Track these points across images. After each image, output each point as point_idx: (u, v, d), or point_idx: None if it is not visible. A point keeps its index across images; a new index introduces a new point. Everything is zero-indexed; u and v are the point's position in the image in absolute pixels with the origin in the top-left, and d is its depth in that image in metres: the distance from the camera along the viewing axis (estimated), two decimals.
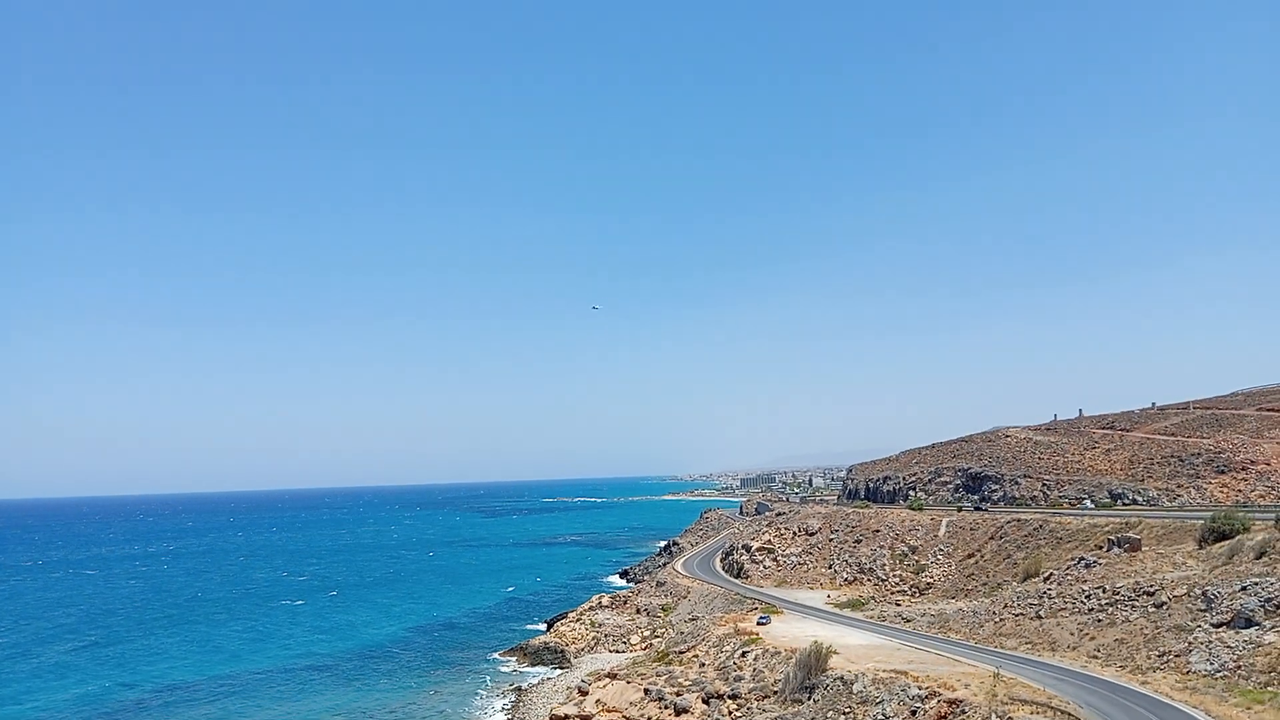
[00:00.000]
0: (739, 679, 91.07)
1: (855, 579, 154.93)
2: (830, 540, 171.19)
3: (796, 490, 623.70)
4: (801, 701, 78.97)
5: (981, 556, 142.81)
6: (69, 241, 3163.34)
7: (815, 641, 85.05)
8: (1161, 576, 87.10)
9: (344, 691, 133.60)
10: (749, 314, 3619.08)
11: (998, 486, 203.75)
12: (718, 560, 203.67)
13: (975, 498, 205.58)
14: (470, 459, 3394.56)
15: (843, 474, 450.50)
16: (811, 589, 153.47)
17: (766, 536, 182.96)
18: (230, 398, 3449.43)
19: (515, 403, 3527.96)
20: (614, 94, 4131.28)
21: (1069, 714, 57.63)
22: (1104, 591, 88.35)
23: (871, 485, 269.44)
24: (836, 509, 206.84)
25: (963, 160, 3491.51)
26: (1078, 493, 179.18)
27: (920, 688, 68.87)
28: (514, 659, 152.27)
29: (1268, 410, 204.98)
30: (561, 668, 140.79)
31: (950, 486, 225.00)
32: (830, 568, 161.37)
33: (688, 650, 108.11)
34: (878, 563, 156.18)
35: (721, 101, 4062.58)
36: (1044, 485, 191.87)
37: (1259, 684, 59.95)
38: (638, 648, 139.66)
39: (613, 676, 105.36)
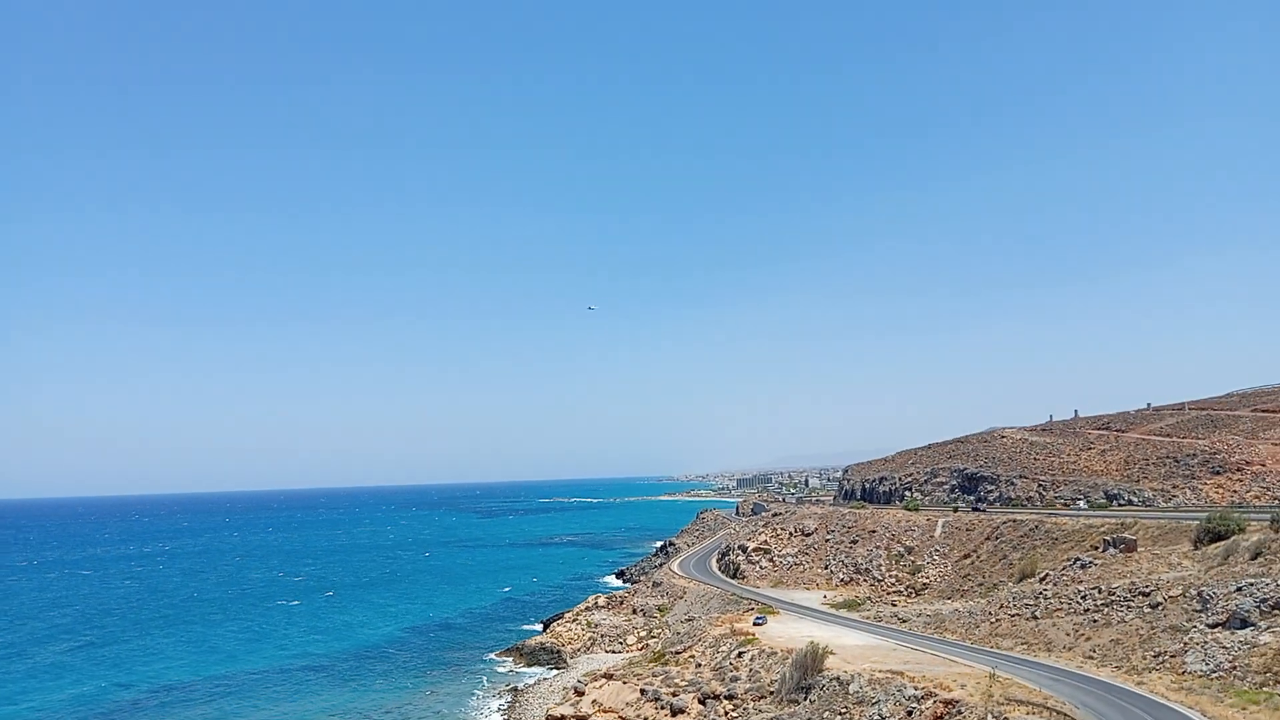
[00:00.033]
0: (735, 679, 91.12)
1: (851, 579, 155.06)
2: (826, 541, 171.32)
3: (793, 491, 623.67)
4: (798, 702, 79.04)
5: (977, 557, 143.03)
6: (69, 241, 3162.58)
7: (811, 642, 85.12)
8: (1157, 577, 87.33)
9: (340, 692, 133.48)
10: (749, 314, 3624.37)
11: (993, 487, 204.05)
12: (714, 561, 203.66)
13: (971, 498, 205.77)
14: (469, 459, 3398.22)
15: (839, 475, 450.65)
16: (808, 589, 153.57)
17: (763, 537, 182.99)
18: (230, 398, 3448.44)
19: (515, 403, 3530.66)
20: (614, 94, 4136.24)
21: (1065, 714, 57.74)
22: (1100, 592, 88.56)
23: (867, 486, 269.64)
24: (833, 509, 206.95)
25: (963, 160, 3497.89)
26: (1073, 493, 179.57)
27: (916, 688, 68.97)
28: (510, 659, 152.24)
29: (1263, 411, 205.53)
30: (558, 668, 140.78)
31: (946, 487, 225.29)
32: (826, 568, 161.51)
33: (684, 651, 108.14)
34: (874, 563, 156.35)
35: (721, 101, 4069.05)
36: (1039, 486, 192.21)
37: (1254, 684, 60.13)
38: (634, 648, 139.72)
39: (609, 677, 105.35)
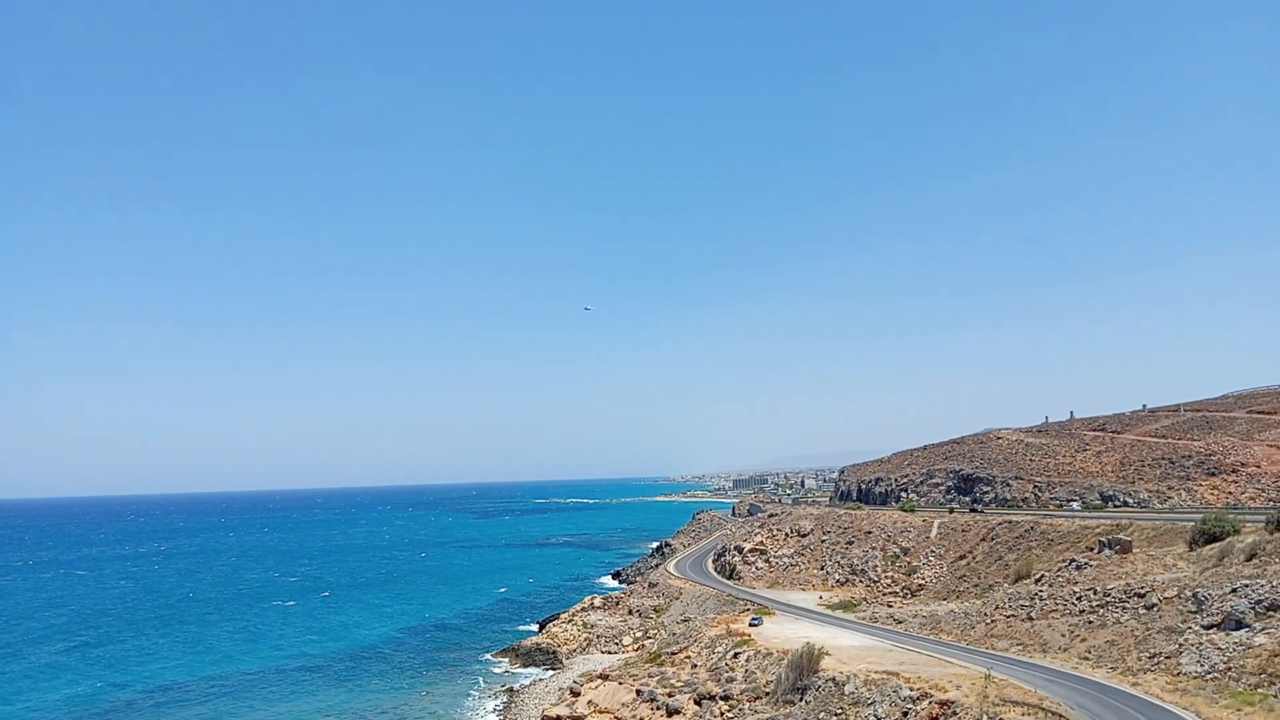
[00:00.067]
0: (731, 680, 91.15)
1: (847, 580, 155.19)
2: (822, 542, 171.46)
3: (789, 492, 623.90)
4: (794, 703, 79.10)
5: (973, 558, 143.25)
6: (69, 241, 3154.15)
7: (807, 643, 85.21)
8: (1152, 578, 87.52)
9: (336, 692, 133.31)
10: (748, 314, 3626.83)
11: (989, 488, 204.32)
12: (710, 561, 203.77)
13: (967, 499, 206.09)
14: (468, 459, 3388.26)
15: (835, 475, 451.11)
16: (803, 590, 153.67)
17: (759, 538, 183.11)
18: (230, 398, 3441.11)
19: (514, 403, 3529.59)
20: (614, 94, 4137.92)
21: (1060, 715, 57.86)
22: (1095, 593, 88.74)
23: (863, 487, 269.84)
24: (828, 510, 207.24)
25: (963, 160, 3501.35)
26: (1069, 495, 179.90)
27: (912, 689, 69.06)
28: (506, 660, 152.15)
29: (1258, 413, 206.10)
30: (554, 669, 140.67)
31: (942, 488, 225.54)
32: (822, 569, 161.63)
33: (680, 651, 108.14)
34: (870, 564, 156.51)
35: (721, 101, 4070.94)
36: (1035, 487, 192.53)
37: (1249, 686, 60.29)
38: (630, 649, 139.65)
39: (605, 677, 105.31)
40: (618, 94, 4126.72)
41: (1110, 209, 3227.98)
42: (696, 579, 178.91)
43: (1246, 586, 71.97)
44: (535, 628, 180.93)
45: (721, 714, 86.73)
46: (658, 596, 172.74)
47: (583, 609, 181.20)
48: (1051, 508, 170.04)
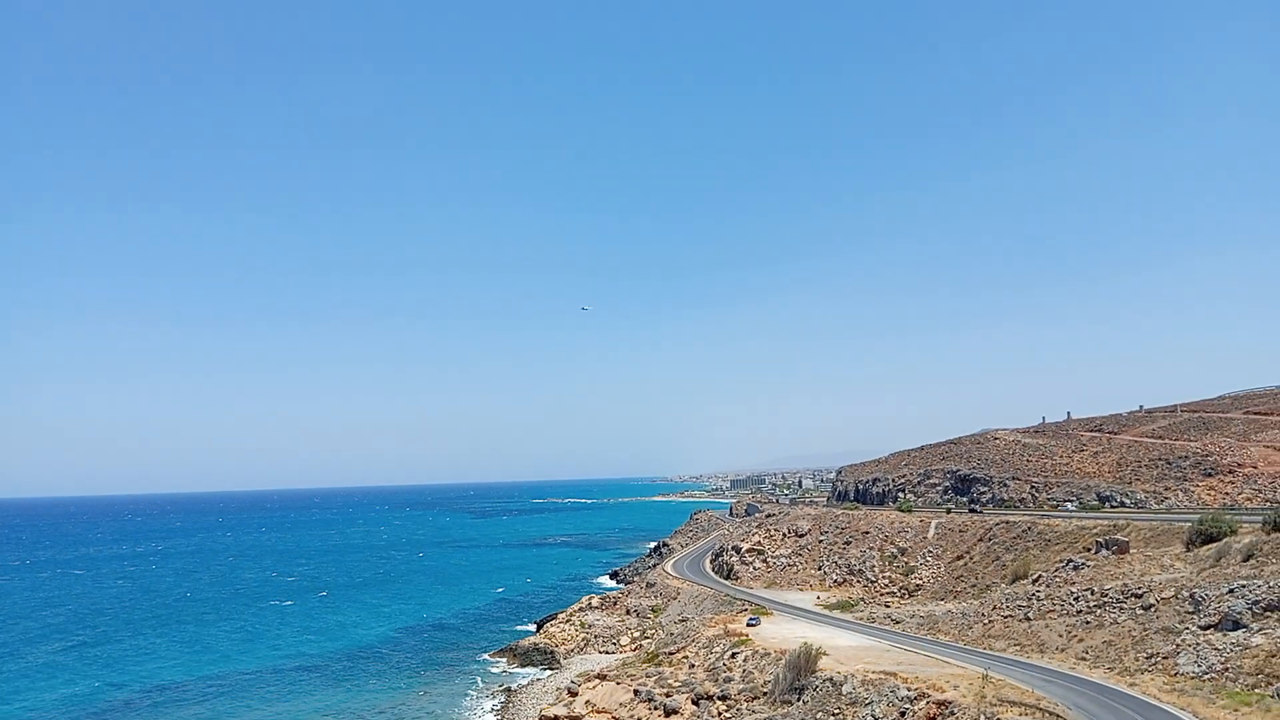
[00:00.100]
0: (729, 680, 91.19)
1: (845, 580, 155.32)
2: (820, 542, 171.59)
3: (786, 492, 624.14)
4: (791, 703, 79.16)
5: (970, 558, 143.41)
6: (69, 241, 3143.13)
7: (805, 643, 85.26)
8: (1149, 579, 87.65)
9: (333, 692, 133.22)
10: (749, 314, 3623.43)
11: (986, 489, 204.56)
12: (707, 562, 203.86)
13: (964, 499, 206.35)
14: (468, 459, 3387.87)
15: (832, 476, 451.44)
16: (801, 590, 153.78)
17: (756, 538, 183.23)
18: (230, 398, 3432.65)
19: (514, 403, 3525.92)
20: (614, 94, 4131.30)
21: (1057, 715, 57.93)
22: (1092, 594, 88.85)
23: (861, 487, 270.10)
24: (826, 510, 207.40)
25: (963, 160, 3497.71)
26: (1065, 495, 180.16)
27: (909, 689, 69.12)
28: (504, 660, 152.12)
29: (1255, 413, 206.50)
30: (551, 669, 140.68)
31: (939, 488, 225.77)
32: (820, 569, 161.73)
33: (677, 651, 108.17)
34: (867, 564, 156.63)
35: (721, 101, 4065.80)
36: (1032, 487, 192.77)
37: (1246, 686, 60.40)
38: (627, 649, 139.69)
39: (602, 678, 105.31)
40: (618, 94, 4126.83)
41: (1110, 209, 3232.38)
42: (694, 579, 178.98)
43: (1243, 587, 72.09)
44: (533, 628, 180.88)
45: (719, 714, 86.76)
46: (655, 597, 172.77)
47: (580, 609, 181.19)
48: (1048, 508, 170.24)
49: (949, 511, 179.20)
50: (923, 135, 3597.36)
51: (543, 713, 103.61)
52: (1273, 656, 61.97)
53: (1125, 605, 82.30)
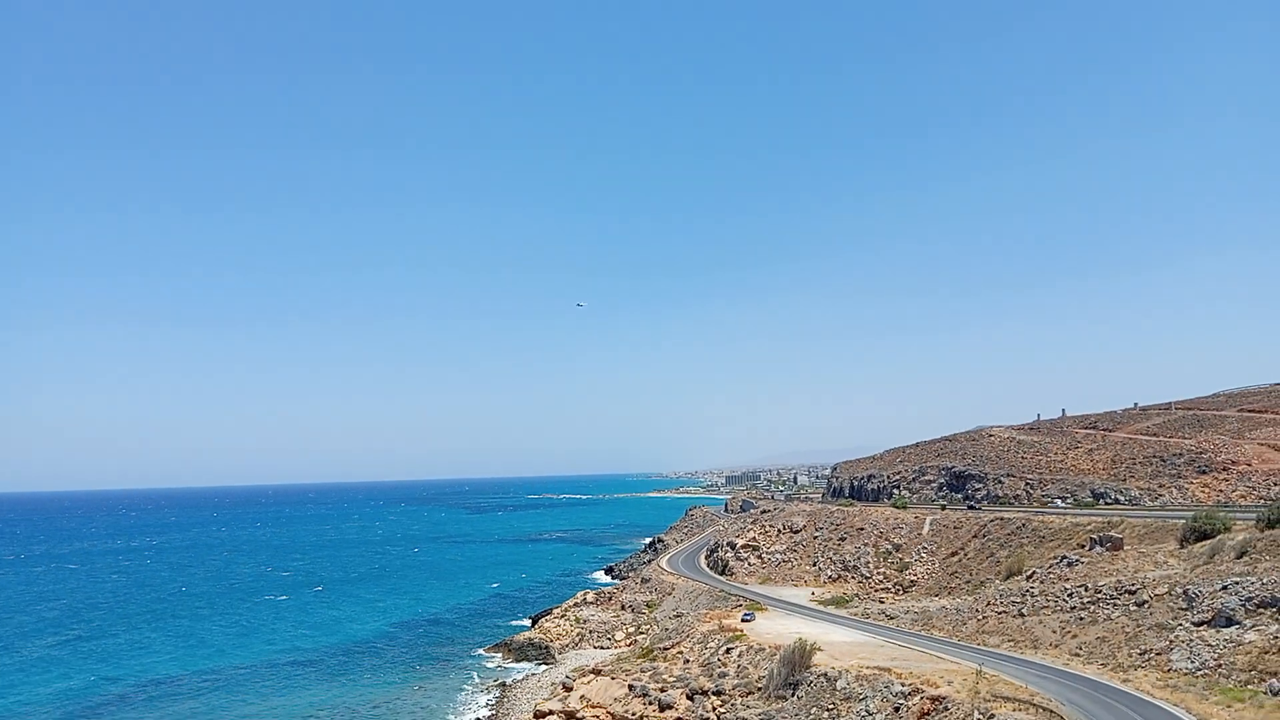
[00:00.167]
0: (723, 675, 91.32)
1: (839, 576, 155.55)
2: (815, 538, 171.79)
3: (781, 488, 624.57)
4: (785, 698, 79.31)
5: (965, 555, 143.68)
6: (69, 241, 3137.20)
7: (799, 638, 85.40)
8: (1143, 575, 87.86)
9: (328, 686, 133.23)
10: (748, 314, 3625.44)
11: (981, 485, 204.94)
12: (703, 557, 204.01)
13: (959, 496, 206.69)
14: (467, 456, 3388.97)
15: (827, 472, 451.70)
16: (796, 586, 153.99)
17: (751, 534, 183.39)
18: (230, 397, 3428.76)
19: (514, 402, 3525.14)
20: (614, 94, 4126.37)
21: (1051, 711, 58.10)
22: (1086, 590, 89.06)
23: (856, 483, 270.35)
24: (821, 507, 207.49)
25: (963, 160, 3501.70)
26: (1060, 492, 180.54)
27: (903, 684, 69.29)
28: (499, 654, 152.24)
29: (1249, 411, 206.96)
30: (546, 663, 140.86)
31: (934, 485, 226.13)
32: (815, 565, 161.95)
33: (672, 646, 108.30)
34: (862, 560, 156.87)
35: (721, 101, 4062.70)
36: (1027, 484, 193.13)
37: (1239, 682, 60.60)
38: (622, 644, 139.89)
39: (597, 672, 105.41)
40: (618, 94, 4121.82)
41: (1110, 209, 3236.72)
42: (689, 574, 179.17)
43: (1237, 584, 72.30)
44: (528, 623, 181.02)
45: (713, 709, 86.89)
46: (650, 592, 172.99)
47: (575, 604, 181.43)
48: (1042, 505, 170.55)
49: (944, 508, 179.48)
50: (923, 135, 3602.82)
51: (537, 707, 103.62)
52: (1266, 653, 62.18)
53: (1119, 601, 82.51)
